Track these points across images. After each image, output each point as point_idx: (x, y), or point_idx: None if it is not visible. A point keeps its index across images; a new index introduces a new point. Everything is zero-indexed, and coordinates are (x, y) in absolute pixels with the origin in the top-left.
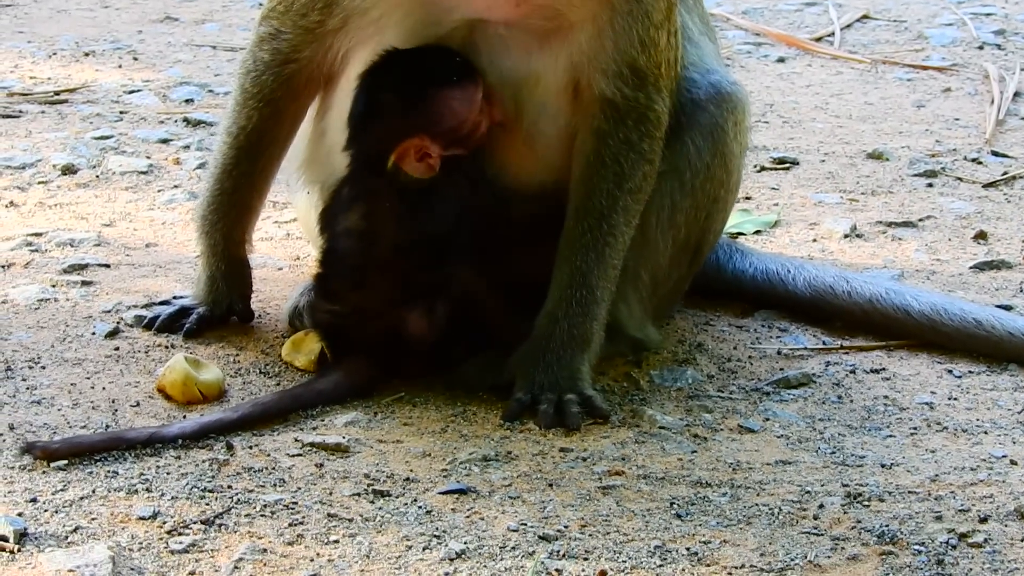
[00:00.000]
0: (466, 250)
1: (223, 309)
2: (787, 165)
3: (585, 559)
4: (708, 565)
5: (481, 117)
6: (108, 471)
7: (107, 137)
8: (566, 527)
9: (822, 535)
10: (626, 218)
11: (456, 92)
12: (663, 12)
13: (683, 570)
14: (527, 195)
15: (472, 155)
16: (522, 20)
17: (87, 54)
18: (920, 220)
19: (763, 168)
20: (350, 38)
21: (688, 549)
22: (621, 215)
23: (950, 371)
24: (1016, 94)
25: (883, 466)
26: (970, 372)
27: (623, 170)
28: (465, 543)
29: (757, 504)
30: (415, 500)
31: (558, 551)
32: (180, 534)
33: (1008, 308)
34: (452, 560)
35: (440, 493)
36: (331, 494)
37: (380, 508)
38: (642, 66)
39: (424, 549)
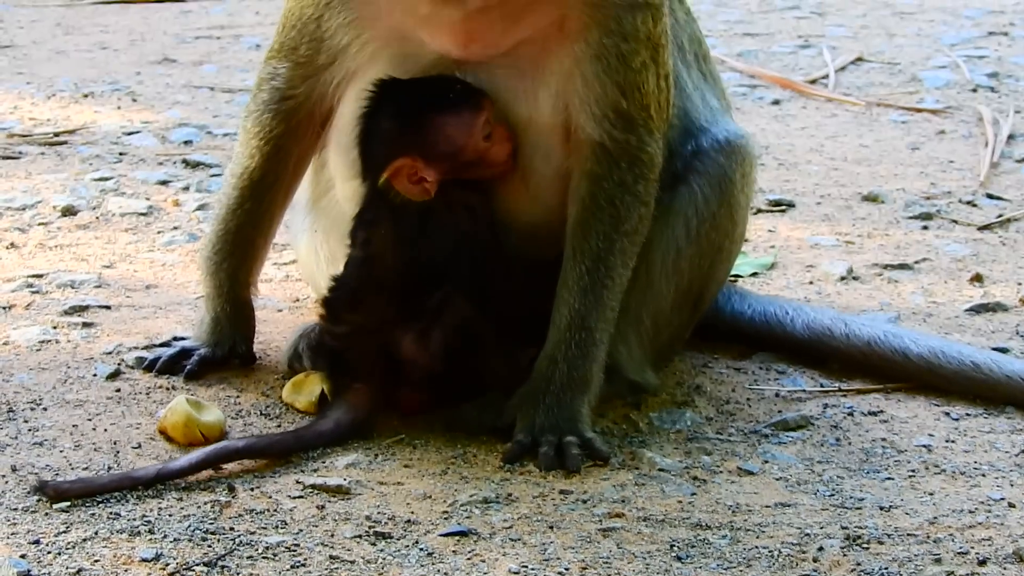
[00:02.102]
0: (462, 280)
1: (225, 351)
2: (783, 207)
3: None
4: None
5: (487, 144)
6: (110, 512)
7: (107, 178)
8: (567, 569)
9: None
10: (623, 260)
11: (451, 118)
12: (644, 55)
13: None
14: (523, 233)
15: (476, 186)
16: (486, 59)
17: (86, 95)
18: (916, 262)
19: (759, 210)
20: (340, 74)
21: None
22: (618, 257)
23: (948, 413)
24: (1010, 136)
25: (882, 508)
26: (968, 415)
27: (619, 212)
28: None
29: (757, 546)
30: (416, 542)
31: None
32: None
33: (1004, 351)
34: None
35: (441, 535)
36: (333, 536)
37: (382, 550)
38: (627, 110)
39: None
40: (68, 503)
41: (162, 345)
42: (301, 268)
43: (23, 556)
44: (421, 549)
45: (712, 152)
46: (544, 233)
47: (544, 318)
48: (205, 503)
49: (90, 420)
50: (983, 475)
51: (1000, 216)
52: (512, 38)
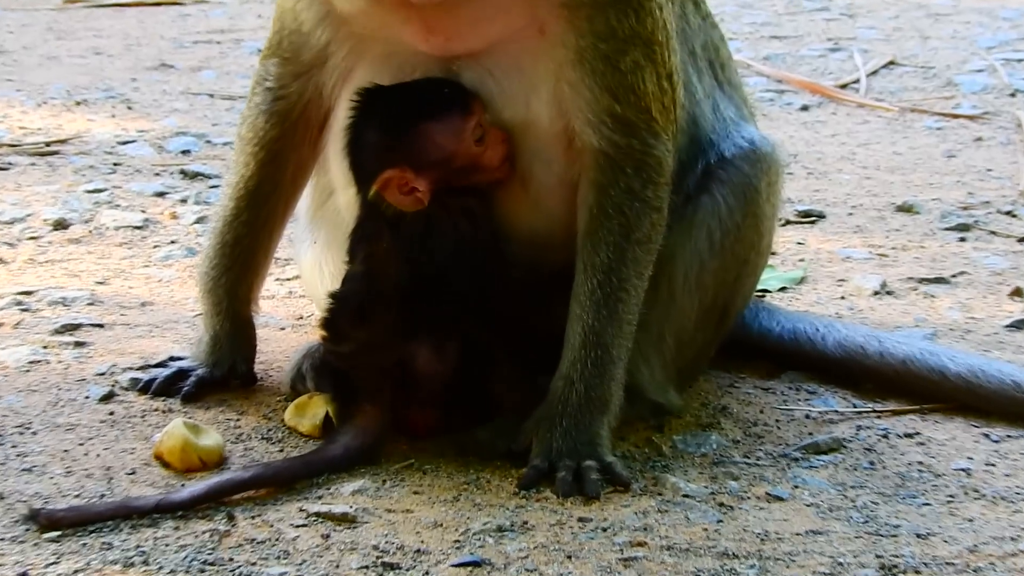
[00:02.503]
0: (470, 292)
1: (224, 371)
2: (813, 219)
3: None
4: None
5: (480, 148)
6: (103, 543)
7: (100, 190)
8: None
9: None
10: (636, 270)
11: (439, 124)
12: (636, 55)
13: None
14: (526, 242)
15: (476, 193)
16: (456, 54)
17: (79, 103)
18: (953, 276)
19: (788, 222)
20: (333, 74)
21: None
22: (631, 268)
23: (987, 435)
24: None
25: (919, 536)
26: (1008, 436)
27: (628, 221)
28: None
29: None
30: (427, 573)
31: None
32: None
33: None
34: None
35: (453, 566)
36: (338, 567)
37: None
38: (624, 114)
39: None
40: (59, 532)
41: (158, 365)
42: (304, 283)
43: None
44: None
45: (736, 160)
46: (549, 242)
47: (557, 334)
48: (203, 532)
49: (82, 445)
50: None
51: None
52: (484, 35)
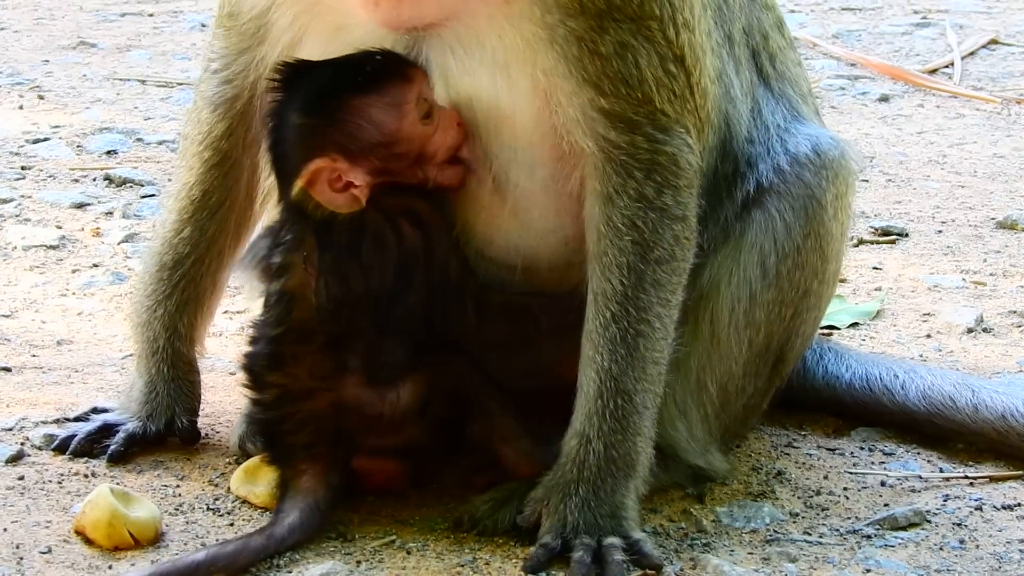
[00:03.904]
0: (423, 318)
1: (160, 426)
2: (893, 237)
3: None
4: None
5: (427, 127)
6: None
7: (5, 200)
8: None
9: None
10: (660, 296)
11: (373, 97)
12: (621, 34)
13: None
14: (504, 261)
15: (424, 194)
16: (409, 28)
17: None
18: None
19: (861, 241)
20: (274, 46)
21: None
22: (652, 294)
23: None
24: None
25: None
26: None
27: (644, 236)
28: None
29: None
30: None
31: None
32: None
33: None
34: None
35: None
36: None
37: None
38: (612, 107)
39: None
40: None
41: (78, 419)
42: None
43: None
44: None
45: (795, 167)
46: (533, 263)
47: (569, 379)
48: None
49: None
50: None
51: None
52: (440, 7)
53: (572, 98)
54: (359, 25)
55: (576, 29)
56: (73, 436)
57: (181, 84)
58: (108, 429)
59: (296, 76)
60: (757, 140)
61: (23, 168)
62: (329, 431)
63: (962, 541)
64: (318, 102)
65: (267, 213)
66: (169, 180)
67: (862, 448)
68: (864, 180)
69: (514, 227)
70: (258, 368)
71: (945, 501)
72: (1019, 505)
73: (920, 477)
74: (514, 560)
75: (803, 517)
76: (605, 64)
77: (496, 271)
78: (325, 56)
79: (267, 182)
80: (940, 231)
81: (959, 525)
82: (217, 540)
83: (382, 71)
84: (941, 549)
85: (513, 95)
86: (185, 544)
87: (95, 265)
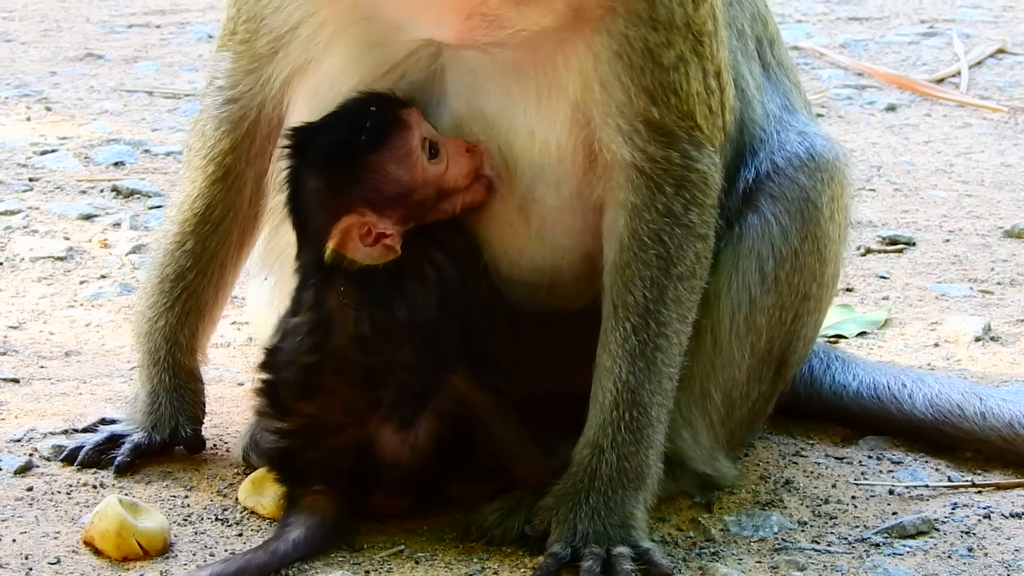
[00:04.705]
0: (457, 349)
1: (166, 435)
2: (900, 246)
3: None
4: None
5: (438, 167)
6: None
7: (13, 212)
8: None
9: None
10: (679, 313)
11: (382, 153)
12: (681, 48)
13: None
14: (528, 281)
15: (450, 225)
16: (483, 44)
17: None
18: None
19: (868, 250)
20: (288, 69)
21: None
22: (672, 309)
23: None
24: None
25: None
26: None
27: (668, 251)
28: None
29: None
30: None
31: None
32: None
33: None
34: None
35: None
36: None
37: None
38: (660, 120)
39: None
40: None
41: (86, 430)
42: (254, 329)
43: None
44: None
45: (789, 170)
46: (556, 280)
47: (580, 390)
48: None
49: None
50: None
51: None
52: (526, 18)
53: (623, 109)
54: (394, 42)
55: (649, 40)
56: (81, 447)
57: (188, 95)
58: (116, 439)
59: (304, 139)
60: (768, 131)
61: (31, 180)
62: (348, 466)
63: (970, 549)
64: (335, 163)
65: (269, 225)
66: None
67: (870, 457)
68: (871, 189)
69: (536, 247)
70: (284, 395)
71: (953, 509)
72: None
73: (928, 486)
74: (523, 570)
75: (811, 526)
76: (664, 75)
77: (523, 291)
78: (345, 73)
79: (272, 197)
80: (947, 240)
81: (967, 533)
82: (226, 551)
83: (383, 122)
84: (950, 557)
85: (551, 111)
86: (194, 555)
87: (103, 276)
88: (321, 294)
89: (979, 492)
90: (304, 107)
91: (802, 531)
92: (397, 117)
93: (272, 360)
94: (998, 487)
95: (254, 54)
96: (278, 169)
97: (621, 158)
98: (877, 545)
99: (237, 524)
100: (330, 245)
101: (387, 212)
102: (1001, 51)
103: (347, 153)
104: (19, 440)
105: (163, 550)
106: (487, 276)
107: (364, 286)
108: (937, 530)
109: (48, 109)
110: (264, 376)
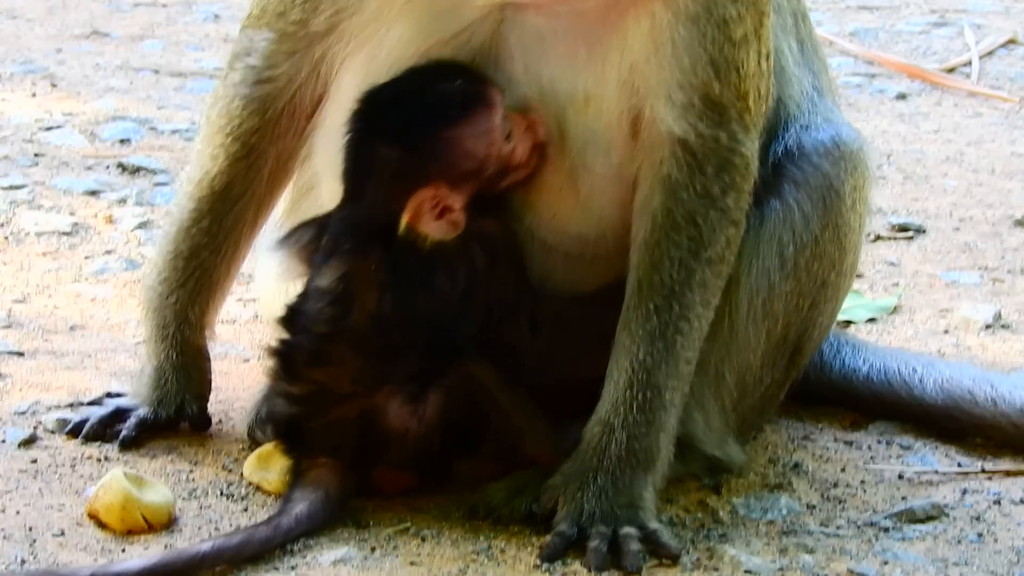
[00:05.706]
0: (472, 341)
1: (171, 411)
2: (910, 234)
3: None
4: None
5: (509, 147)
6: None
7: (18, 187)
8: None
9: None
10: (704, 298)
11: (465, 128)
12: (749, 25)
13: None
14: (568, 251)
15: (492, 208)
16: (558, 4)
17: None
18: None
19: (879, 237)
20: (341, 46)
21: None
22: (697, 293)
23: None
24: None
25: None
26: None
27: (701, 234)
28: None
29: None
30: None
31: None
32: None
33: None
34: None
35: None
36: None
37: None
38: (719, 96)
39: None
40: None
41: (91, 404)
42: (263, 305)
43: None
44: None
45: (814, 156)
46: (595, 252)
47: (594, 371)
48: None
49: None
50: None
51: None
52: None
53: (683, 80)
54: (462, 8)
55: (727, 12)
56: (86, 420)
57: (194, 74)
58: (121, 414)
59: (378, 105)
60: (796, 109)
61: (36, 155)
62: (354, 438)
63: (980, 535)
64: (416, 135)
65: (285, 200)
66: (183, 167)
67: (879, 441)
68: (881, 177)
69: (583, 216)
70: (297, 359)
71: (963, 495)
72: None
73: (937, 471)
74: (529, 548)
75: (820, 509)
76: (732, 50)
77: (562, 263)
78: (409, 42)
79: (294, 175)
80: (957, 228)
81: (977, 519)
82: (231, 526)
83: (469, 98)
84: (959, 542)
85: (610, 75)
86: (199, 529)
87: (108, 252)
88: (351, 265)
89: (989, 478)
90: (357, 75)
91: (811, 514)
92: (483, 94)
93: (291, 321)
94: (1008, 473)
95: (305, 37)
96: (305, 145)
97: (669, 131)
98: (886, 529)
99: (242, 499)
100: (405, 218)
101: (460, 187)
102: (1012, 41)
103: (431, 126)
104: (23, 413)
105: (168, 524)
106: (518, 268)
107: (394, 270)
108: (947, 515)
109: (54, 86)
110: (282, 336)
